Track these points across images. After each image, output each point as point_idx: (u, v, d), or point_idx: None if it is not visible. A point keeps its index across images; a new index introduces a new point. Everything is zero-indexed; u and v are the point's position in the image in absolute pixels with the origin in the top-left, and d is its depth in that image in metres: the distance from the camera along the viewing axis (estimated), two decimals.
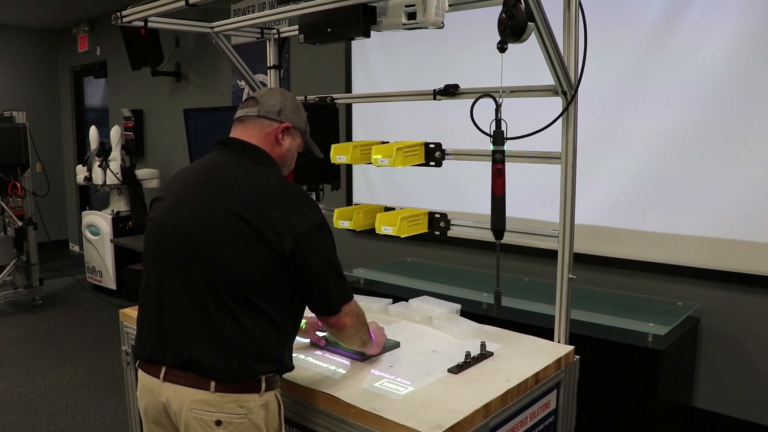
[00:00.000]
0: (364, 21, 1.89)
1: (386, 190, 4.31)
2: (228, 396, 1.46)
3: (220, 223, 1.48)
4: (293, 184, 1.64)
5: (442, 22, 1.76)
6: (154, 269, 1.57)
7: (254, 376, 1.49)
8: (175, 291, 1.51)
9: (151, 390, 1.54)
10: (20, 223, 5.41)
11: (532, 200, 3.17)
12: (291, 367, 1.61)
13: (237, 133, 1.66)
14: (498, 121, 1.85)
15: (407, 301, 2.34)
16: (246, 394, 1.48)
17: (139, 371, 1.59)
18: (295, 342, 1.64)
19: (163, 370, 1.50)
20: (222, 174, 1.58)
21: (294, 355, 1.65)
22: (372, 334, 1.81)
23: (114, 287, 5.85)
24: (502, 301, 1.99)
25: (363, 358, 1.84)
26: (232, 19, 2.50)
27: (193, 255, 1.48)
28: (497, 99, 1.86)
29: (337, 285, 1.56)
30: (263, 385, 1.50)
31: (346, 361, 1.84)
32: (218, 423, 1.46)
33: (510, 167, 1.90)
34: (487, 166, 1.91)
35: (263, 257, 1.46)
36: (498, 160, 1.86)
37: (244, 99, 1.75)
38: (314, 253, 1.50)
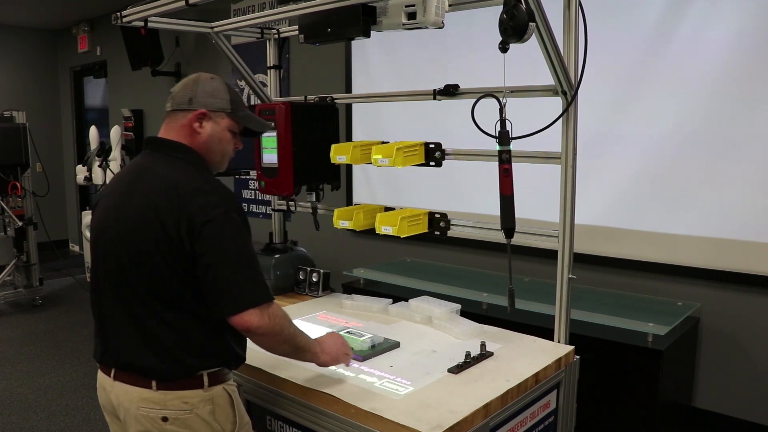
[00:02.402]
0: (364, 21, 1.89)
1: (386, 190, 4.31)
2: (171, 393, 1.49)
3: (136, 227, 1.49)
4: (206, 179, 1.56)
5: (442, 22, 1.76)
6: (92, 276, 1.61)
7: (193, 372, 1.50)
8: (108, 297, 1.55)
9: (104, 387, 1.60)
10: (20, 223, 5.41)
11: (532, 200, 3.16)
12: (241, 359, 1.61)
13: (161, 130, 1.65)
14: (503, 121, 1.84)
15: (407, 301, 2.34)
16: (189, 390, 1.50)
17: (99, 369, 1.64)
18: None
19: (113, 370, 1.56)
20: (142, 177, 1.57)
21: None
22: (319, 343, 1.67)
23: None
24: (507, 300, 1.97)
25: (363, 358, 1.84)
26: (232, 19, 2.51)
27: (117, 261, 1.52)
28: (501, 99, 1.85)
29: (239, 282, 1.45)
30: (206, 380, 1.51)
31: None
32: (164, 419, 1.49)
33: None
34: (487, 165, 1.91)
35: (175, 256, 1.45)
36: (505, 160, 1.84)
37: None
38: (212, 246, 1.44)
